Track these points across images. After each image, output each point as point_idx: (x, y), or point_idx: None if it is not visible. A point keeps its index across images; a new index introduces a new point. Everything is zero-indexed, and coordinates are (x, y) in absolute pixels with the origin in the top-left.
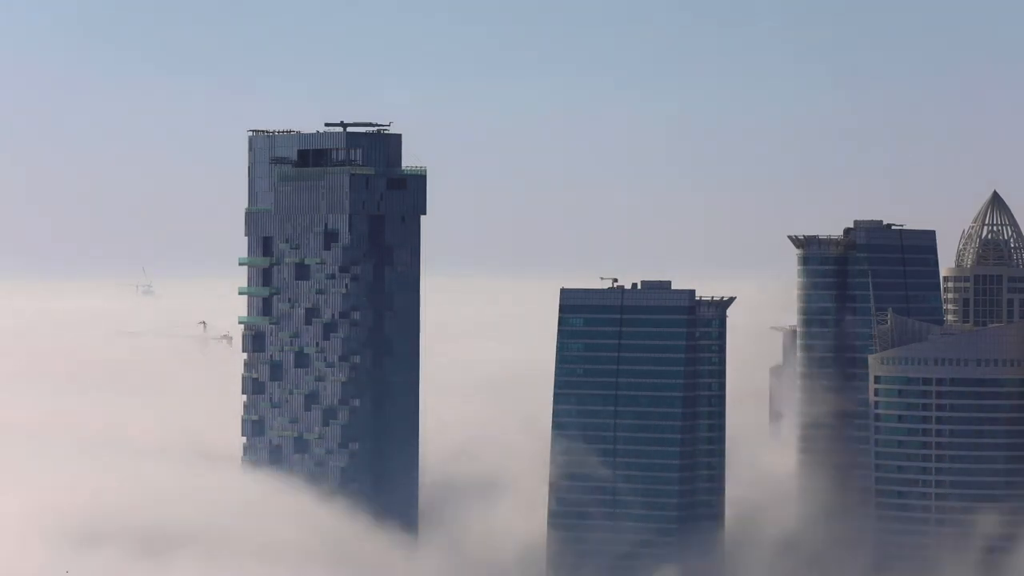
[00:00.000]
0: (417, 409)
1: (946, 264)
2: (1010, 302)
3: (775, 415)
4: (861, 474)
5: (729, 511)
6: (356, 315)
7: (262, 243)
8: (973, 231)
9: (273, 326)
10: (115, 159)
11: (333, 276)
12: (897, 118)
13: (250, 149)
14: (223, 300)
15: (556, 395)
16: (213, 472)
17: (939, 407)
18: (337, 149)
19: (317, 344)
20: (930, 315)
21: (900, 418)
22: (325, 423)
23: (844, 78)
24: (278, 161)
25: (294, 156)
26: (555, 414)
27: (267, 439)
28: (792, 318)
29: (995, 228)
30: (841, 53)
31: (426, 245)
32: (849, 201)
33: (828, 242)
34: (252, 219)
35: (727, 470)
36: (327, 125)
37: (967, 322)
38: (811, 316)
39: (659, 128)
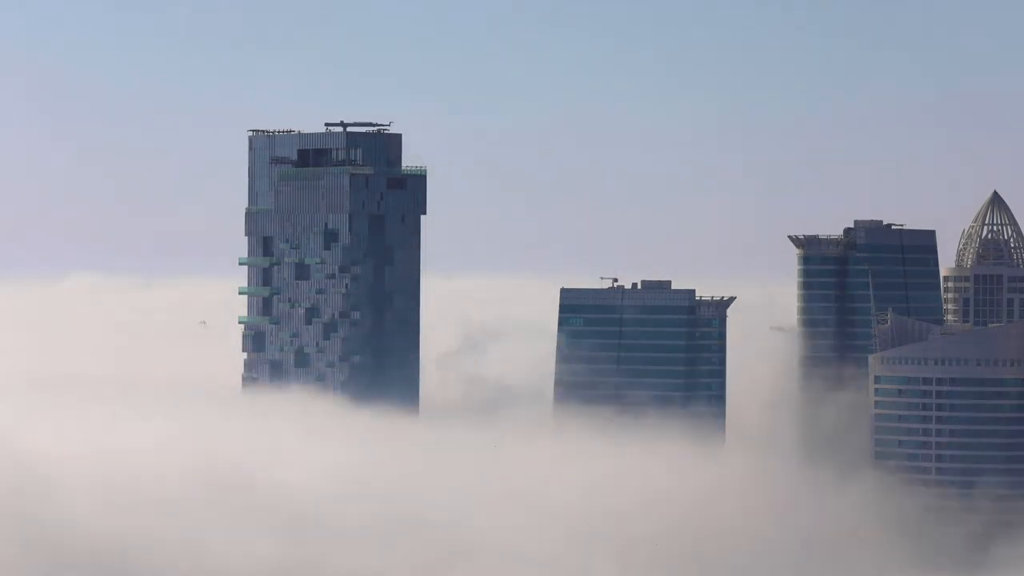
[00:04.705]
0: (417, 409)
1: (946, 264)
2: (1010, 302)
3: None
4: (861, 474)
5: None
6: (356, 315)
7: (262, 243)
8: (973, 231)
9: (273, 326)
10: (115, 159)
11: (333, 276)
12: (898, 118)
13: (250, 149)
14: (223, 300)
15: (556, 395)
16: None
17: (939, 407)
18: (337, 149)
19: (317, 344)
20: (930, 315)
21: (900, 418)
22: None
23: (844, 78)
24: (278, 161)
25: (294, 156)
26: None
27: None
28: (792, 318)
29: (995, 228)
30: (841, 54)
31: (426, 245)
32: (849, 201)
33: (828, 242)
34: (252, 219)
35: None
36: (327, 125)
37: (967, 322)
38: (811, 316)
39: (658, 128)
